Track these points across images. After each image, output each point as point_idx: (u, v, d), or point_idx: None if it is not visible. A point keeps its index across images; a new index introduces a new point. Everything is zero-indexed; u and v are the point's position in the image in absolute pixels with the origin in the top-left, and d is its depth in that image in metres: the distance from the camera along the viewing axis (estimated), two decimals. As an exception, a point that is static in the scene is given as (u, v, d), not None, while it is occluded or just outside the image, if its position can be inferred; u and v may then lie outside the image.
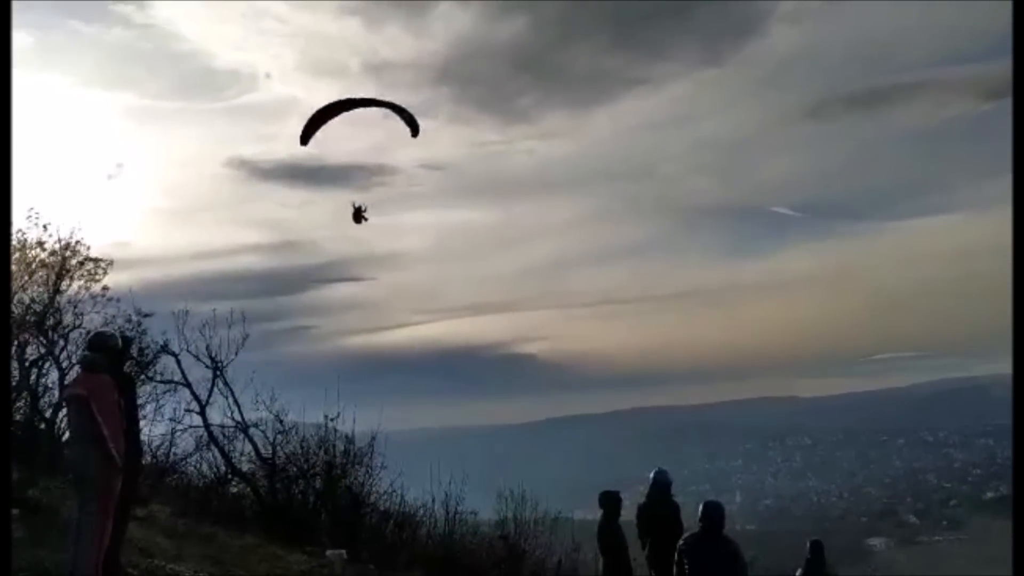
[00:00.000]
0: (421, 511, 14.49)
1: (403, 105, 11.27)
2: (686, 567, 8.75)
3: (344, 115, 11.34)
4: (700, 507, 8.89)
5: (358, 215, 10.96)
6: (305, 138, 11.02)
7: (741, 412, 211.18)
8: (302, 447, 14.18)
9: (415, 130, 11.32)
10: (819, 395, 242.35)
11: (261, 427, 14.39)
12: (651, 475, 11.86)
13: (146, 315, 14.30)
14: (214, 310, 14.42)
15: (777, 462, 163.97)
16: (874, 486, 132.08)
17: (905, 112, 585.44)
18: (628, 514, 12.45)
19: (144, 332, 14.16)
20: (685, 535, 9.21)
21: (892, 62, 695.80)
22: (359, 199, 11.78)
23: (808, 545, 12.65)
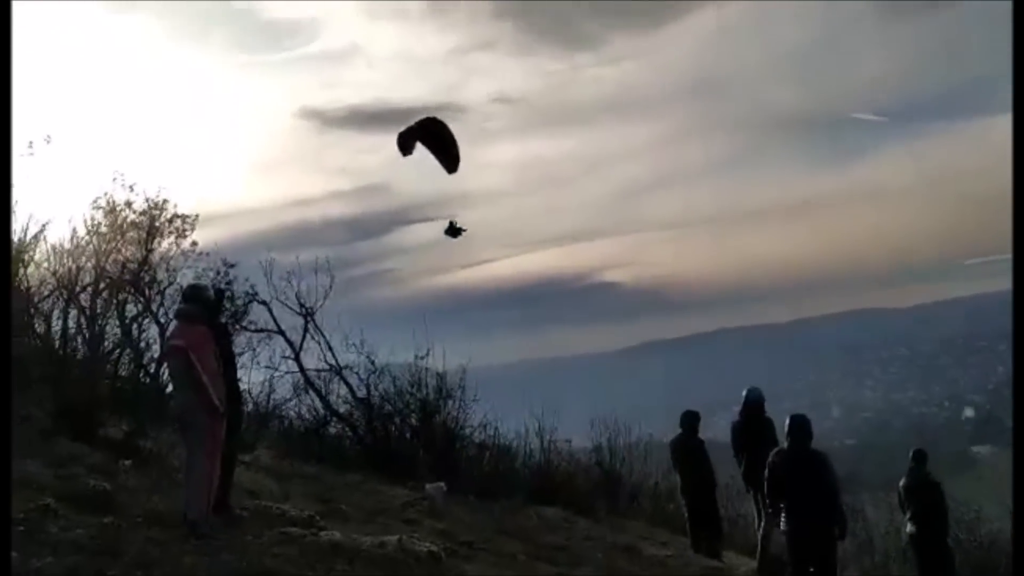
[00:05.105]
0: (516, 442, 14.68)
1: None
2: (777, 481, 8.76)
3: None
4: (786, 421, 8.86)
5: (454, 230, 10.07)
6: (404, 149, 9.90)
7: (835, 326, 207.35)
8: (395, 386, 14.44)
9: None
10: (914, 304, 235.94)
11: (354, 369, 14.72)
12: (743, 393, 11.79)
13: (231, 265, 14.60)
14: (297, 257, 14.71)
15: (874, 374, 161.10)
16: (976, 393, 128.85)
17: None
18: (722, 434, 12.43)
19: (231, 282, 14.47)
20: (775, 450, 9.18)
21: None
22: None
23: (911, 454, 12.43)
